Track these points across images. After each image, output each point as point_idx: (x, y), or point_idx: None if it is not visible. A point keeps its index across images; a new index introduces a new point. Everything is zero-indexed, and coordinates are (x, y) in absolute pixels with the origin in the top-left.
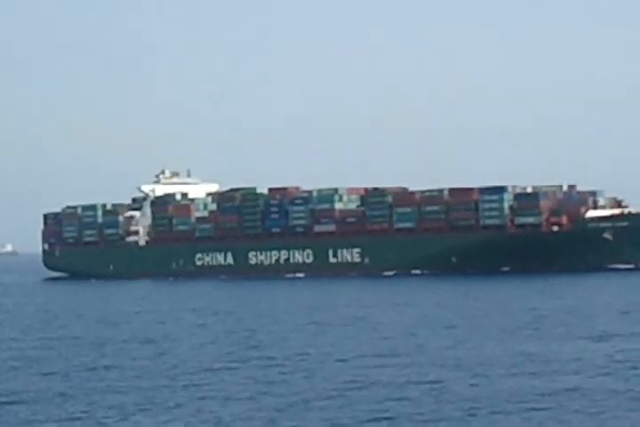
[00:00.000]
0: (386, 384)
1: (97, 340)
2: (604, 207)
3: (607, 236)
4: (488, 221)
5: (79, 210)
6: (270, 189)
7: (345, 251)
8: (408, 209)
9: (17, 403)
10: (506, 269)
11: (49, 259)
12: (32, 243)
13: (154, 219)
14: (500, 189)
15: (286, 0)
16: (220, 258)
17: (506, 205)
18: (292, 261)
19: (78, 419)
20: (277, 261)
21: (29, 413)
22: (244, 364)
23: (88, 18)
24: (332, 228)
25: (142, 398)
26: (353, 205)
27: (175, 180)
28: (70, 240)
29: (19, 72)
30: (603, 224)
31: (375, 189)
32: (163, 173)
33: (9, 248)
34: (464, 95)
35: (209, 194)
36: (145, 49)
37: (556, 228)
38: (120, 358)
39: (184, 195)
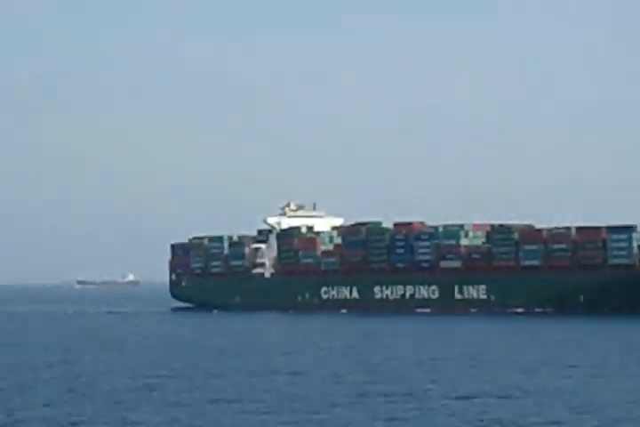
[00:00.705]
0: (506, 424)
1: (217, 371)
2: None
3: None
4: (616, 261)
5: (205, 241)
6: (396, 224)
7: (471, 287)
8: (534, 247)
9: None
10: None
11: (176, 289)
12: (156, 272)
13: (280, 251)
14: (629, 229)
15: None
16: (345, 292)
17: (635, 244)
18: (417, 296)
19: None
20: (403, 296)
21: None
22: (366, 398)
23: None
24: (457, 264)
25: None
26: (479, 242)
27: (300, 213)
28: (197, 271)
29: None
30: None
31: (501, 225)
32: (288, 205)
33: (131, 277)
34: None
35: (334, 228)
36: (275, 81)
37: None
38: (241, 389)
39: (309, 228)
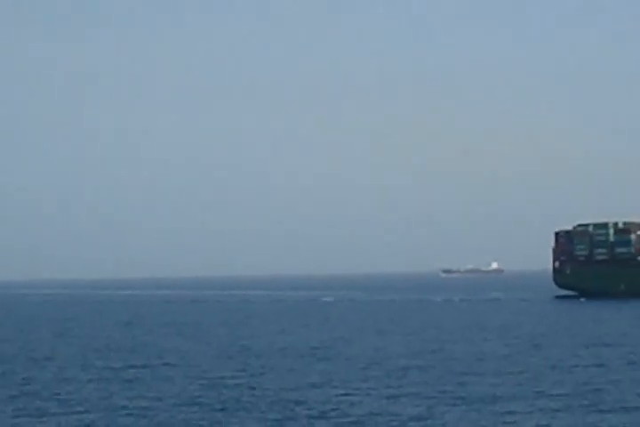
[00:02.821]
0: None
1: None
2: None
3: None
4: None
5: (590, 228)
6: None
7: None
8: None
9: None
10: None
11: (559, 277)
12: (520, 261)
13: None
14: None
15: None
16: None
17: None
18: None
19: None
20: None
21: None
22: None
23: None
24: None
25: None
26: None
27: None
28: (581, 258)
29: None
30: None
31: None
32: None
33: (494, 266)
34: None
35: None
36: None
37: None
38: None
39: None
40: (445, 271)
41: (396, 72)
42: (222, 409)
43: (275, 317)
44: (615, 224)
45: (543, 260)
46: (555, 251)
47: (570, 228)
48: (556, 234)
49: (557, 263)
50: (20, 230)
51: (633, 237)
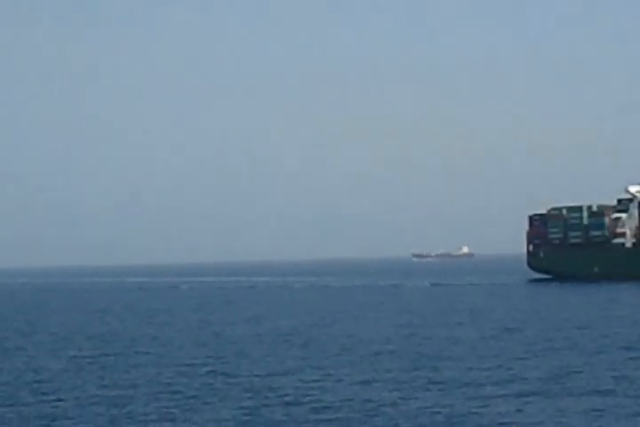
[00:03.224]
0: None
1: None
2: None
3: None
4: None
5: (564, 211)
6: None
7: None
8: None
9: None
10: None
11: (533, 260)
12: (488, 245)
13: None
14: None
15: None
16: None
17: None
18: None
19: None
20: None
21: None
22: None
23: None
24: None
25: None
26: None
27: None
28: (555, 242)
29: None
30: None
31: None
32: None
33: (465, 250)
34: None
35: None
36: None
37: None
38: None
39: None
40: (417, 256)
41: (397, 71)
42: (195, 396)
43: (247, 303)
44: (589, 207)
45: (514, 244)
46: (529, 234)
47: (544, 211)
48: (530, 217)
49: (531, 247)
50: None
51: (607, 220)
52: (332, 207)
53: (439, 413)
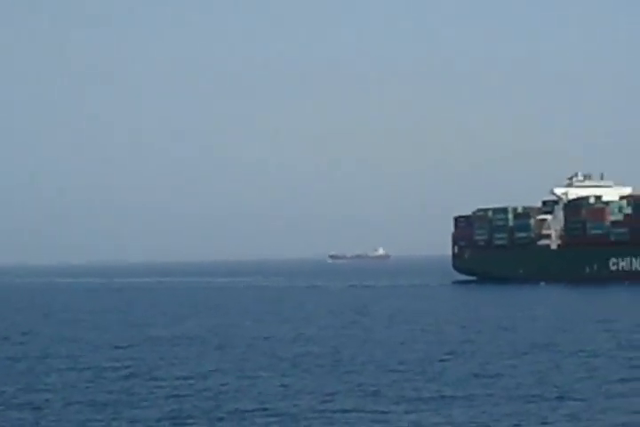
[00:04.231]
0: None
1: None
2: None
3: None
4: None
5: (490, 213)
6: None
7: None
8: None
9: None
10: None
11: (458, 262)
12: (402, 247)
13: (566, 222)
14: None
15: None
16: (635, 263)
17: None
18: None
19: None
20: None
21: None
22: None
23: None
24: None
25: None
26: None
27: (588, 183)
28: (481, 243)
29: None
30: None
31: None
32: (576, 175)
33: (381, 251)
34: None
35: (623, 197)
36: None
37: None
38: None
39: (598, 198)
40: (332, 257)
41: (397, 71)
42: (116, 401)
43: (165, 305)
44: (515, 209)
45: (431, 246)
46: (454, 236)
47: (469, 213)
48: (456, 219)
49: (456, 248)
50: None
51: (532, 221)
52: (245, 208)
53: (360, 417)
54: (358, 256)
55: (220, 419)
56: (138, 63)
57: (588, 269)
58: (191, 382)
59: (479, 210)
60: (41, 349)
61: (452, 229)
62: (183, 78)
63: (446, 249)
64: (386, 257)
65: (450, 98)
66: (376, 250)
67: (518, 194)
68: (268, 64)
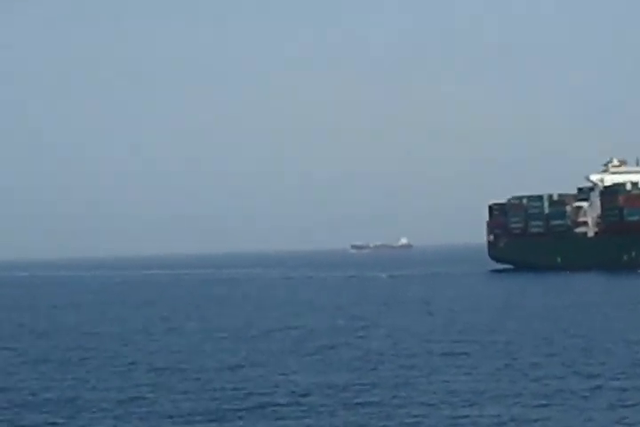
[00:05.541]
0: None
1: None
2: None
3: None
4: None
5: (525, 201)
6: None
7: None
8: None
9: None
10: None
11: (494, 250)
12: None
13: (603, 209)
14: None
15: None
16: None
17: None
18: None
19: None
20: None
21: None
22: None
23: None
24: None
25: None
26: None
27: (624, 168)
28: (516, 231)
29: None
30: None
31: None
32: (611, 161)
33: (404, 241)
34: None
35: None
36: None
37: None
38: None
39: (634, 184)
40: (355, 247)
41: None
42: (147, 392)
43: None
44: (550, 196)
45: (451, 235)
46: (489, 224)
47: (504, 201)
48: (490, 207)
49: (492, 237)
50: None
51: (568, 209)
52: (267, 200)
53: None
54: (381, 246)
55: (252, 412)
56: (138, 63)
57: (626, 257)
58: (229, 373)
59: (514, 197)
60: (73, 341)
61: (473, 218)
62: (183, 78)
63: (467, 238)
64: (408, 247)
65: (479, 84)
66: (399, 240)
67: (557, 180)
68: (267, 63)
